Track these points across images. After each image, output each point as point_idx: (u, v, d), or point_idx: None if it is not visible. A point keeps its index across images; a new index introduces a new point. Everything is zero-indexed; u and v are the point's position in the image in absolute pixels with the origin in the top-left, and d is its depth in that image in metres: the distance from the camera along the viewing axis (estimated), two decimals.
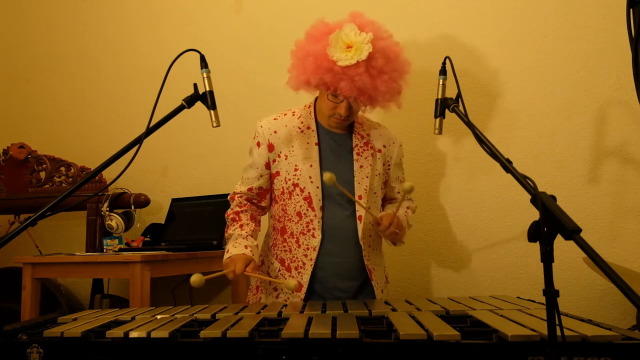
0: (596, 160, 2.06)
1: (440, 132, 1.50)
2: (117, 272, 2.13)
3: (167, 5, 2.91)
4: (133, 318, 1.25)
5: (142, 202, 2.61)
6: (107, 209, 2.54)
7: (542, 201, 0.90)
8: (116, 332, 1.08)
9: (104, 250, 2.50)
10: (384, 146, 1.72)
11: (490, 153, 1.21)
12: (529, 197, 0.97)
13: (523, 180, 1.05)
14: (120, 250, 2.44)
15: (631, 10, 1.40)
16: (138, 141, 1.37)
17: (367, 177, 1.65)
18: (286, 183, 1.65)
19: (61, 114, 3.14)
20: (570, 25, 2.12)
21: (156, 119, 1.41)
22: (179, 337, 1.07)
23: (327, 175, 1.38)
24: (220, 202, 2.55)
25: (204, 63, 1.47)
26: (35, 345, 1.09)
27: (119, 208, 2.61)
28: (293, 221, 1.64)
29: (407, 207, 1.79)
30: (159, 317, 1.26)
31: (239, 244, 1.58)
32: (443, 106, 1.48)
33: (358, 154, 1.67)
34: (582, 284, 2.06)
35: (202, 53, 1.47)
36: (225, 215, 1.72)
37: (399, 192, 1.79)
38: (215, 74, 1.49)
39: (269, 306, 1.40)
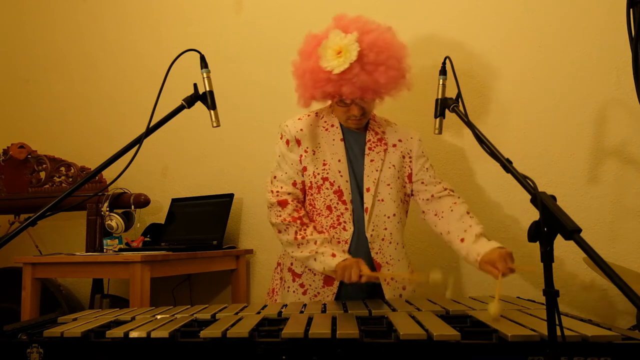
0: (596, 160, 2.06)
1: (440, 132, 1.50)
2: (117, 272, 2.13)
3: (167, 6, 2.91)
4: (133, 318, 1.25)
5: (142, 202, 2.61)
6: (107, 209, 2.54)
7: (542, 201, 0.90)
8: (116, 332, 1.09)
9: (104, 250, 2.50)
10: (400, 140, 1.74)
11: (490, 153, 1.21)
12: (529, 197, 0.97)
13: (523, 180, 1.05)
14: (120, 250, 2.43)
15: (631, 10, 1.40)
16: (138, 141, 1.37)
17: (377, 170, 1.68)
18: (315, 177, 1.66)
19: (61, 114, 3.14)
20: (570, 25, 2.12)
21: (156, 119, 1.41)
22: (179, 337, 1.07)
23: (438, 276, 1.32)
24: (220, 202, 2.56)
25: (204, 63, 1.47)
26: (35, 345, 1.09)
27: (119, 208, 2.61)
28: (322, 215, 1.65)
29: (467, 212, 1.64)
30: (159, 317, 1.26)
31: (336, 250, 1.57)
32: (443, 106, 1.48)
33: (370, 148, 1.70)
34: (582, 284, 2.05)
35: (202, 53, 1.47)
36: (281, 221, 1.62)
37: (433, 177, 1.72)
38: (215, 74, 1.49)
39: (269, 306, 1.40)
